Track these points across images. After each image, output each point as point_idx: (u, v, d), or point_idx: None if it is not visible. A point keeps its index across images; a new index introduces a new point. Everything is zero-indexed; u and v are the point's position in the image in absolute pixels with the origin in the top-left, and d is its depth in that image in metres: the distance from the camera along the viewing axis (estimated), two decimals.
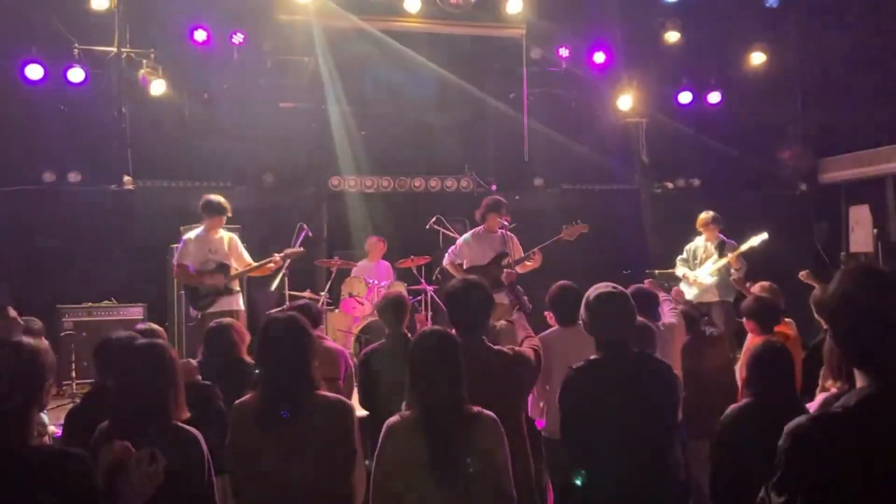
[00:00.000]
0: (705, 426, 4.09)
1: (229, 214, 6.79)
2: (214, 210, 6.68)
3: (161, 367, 2.81)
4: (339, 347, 4.91)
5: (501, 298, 5.64)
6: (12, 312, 4.51)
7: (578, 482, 2.98)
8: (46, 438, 4.15)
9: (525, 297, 4.30)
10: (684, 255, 7.81)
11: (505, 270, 6.28)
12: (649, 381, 3.13)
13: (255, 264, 6.82)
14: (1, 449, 2.15)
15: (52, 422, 4.50)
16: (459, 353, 2.84)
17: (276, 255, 6.81)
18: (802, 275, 6.14)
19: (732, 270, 7.24)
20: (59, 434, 3.72)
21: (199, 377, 3.76)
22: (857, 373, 1.83)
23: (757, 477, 1.95)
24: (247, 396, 3.04)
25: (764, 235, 7.22)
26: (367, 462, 3.39)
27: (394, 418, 2.79)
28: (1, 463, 2.13)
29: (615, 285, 3.28)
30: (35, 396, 2.23)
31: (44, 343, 2.38)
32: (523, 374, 3.50)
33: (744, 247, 7.25)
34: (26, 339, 2.29)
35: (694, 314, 5.13)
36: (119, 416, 2.74)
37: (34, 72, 8.36)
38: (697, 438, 4.21)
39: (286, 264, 7.11)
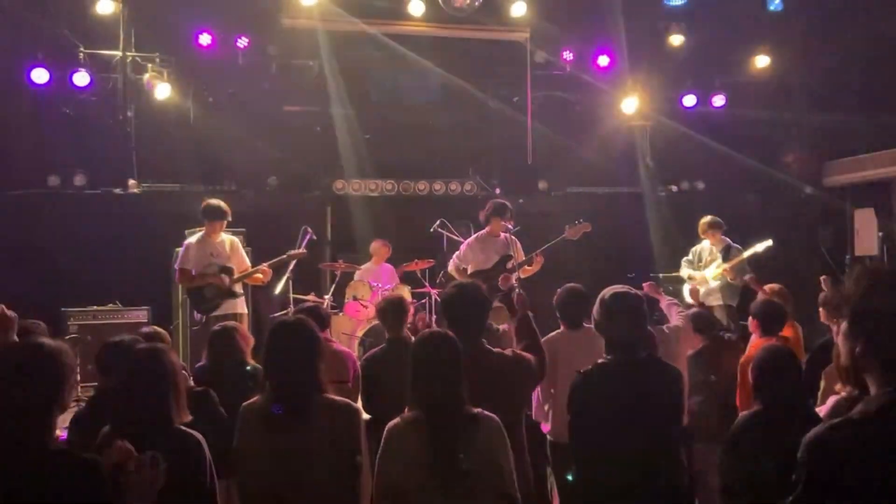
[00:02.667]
0: (714, 430, 4.09)
1: (229, 218, 6.78)
2: (214, 214, 6.67)
3: (161, 370, 2.82)
4: (346, 350, 4.92)
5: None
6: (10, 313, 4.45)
7: (570, 477, 2.98)
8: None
9: (521, 296, 4.21)
10: (689, 257, 7.80)
11: (502, 276, 6.23)
12: (657, 385, 3.13)
13: (249, 271, 6.77)
14: (20, 450, 2.15)
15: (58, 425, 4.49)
16: (460, 354, 2.85)
17: (264, 264, 6.76)
18: (823, 279, 6.05)
19: (728, 278, 7.22)
20: (64, 437, 3.72)
21: (192, 384, 3.74)
22: (870, 378, 1.75)
23: (769, 482, 1.88)
24: (254, 399, 3.04)
25: (768, 242, 7.15)
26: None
27: (395, 420, 2.79)
28: (18, 463, 2.14)
29: (630, 287, 3.30)
30: (55, 398, 2.24)
31: (64, 345, 2.38)
32: (522, 376, 3.49)
33: (747, 253, 7.21)
34: (47, 341, 2.30)
35: (710, 317, 5.08)
36: (121, 420, 2.75)
37: (40, 76, 8.41)
38: (706, 442, 4.19)
39: (291, 266, 7.11)
